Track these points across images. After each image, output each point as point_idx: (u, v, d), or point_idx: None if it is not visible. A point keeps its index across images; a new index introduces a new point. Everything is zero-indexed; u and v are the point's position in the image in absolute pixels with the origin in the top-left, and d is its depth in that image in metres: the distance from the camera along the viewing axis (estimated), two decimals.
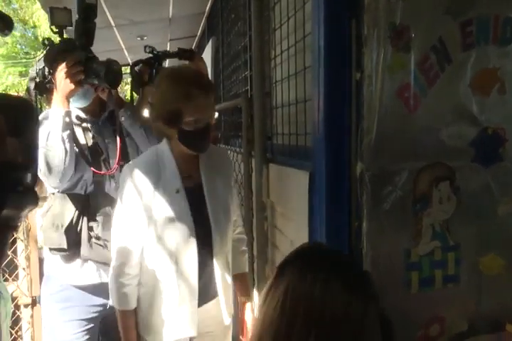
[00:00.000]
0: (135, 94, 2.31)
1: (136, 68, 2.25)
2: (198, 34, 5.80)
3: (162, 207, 1.64)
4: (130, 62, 7.48)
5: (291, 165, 1.86)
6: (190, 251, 1.66)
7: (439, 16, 1.37)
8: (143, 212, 1.64)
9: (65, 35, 1.95)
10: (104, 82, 1.84)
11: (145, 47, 2.31)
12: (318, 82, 1.49)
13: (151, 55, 2.27)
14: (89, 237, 1.94)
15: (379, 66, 1.37)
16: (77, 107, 2.03)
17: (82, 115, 2.05)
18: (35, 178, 0.49)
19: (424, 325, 1.42)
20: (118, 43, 5.84)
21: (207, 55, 4.37)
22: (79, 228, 1.94)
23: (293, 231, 1.81)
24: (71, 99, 1.92)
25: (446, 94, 1.38)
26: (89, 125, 2.06)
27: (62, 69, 1.82)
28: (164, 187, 1.64)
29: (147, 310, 1.72)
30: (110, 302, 1.73)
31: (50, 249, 1.98)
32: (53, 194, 1.99)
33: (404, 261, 1.40)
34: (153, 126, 1.72)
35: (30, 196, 0.49)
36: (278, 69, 2.24)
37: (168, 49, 4.39)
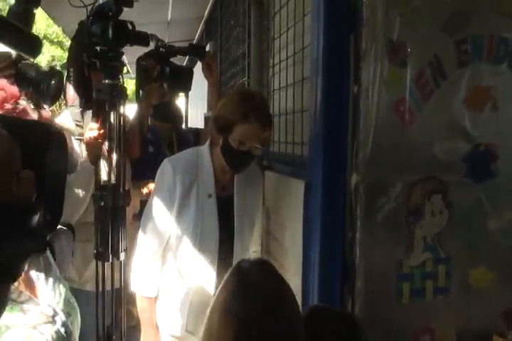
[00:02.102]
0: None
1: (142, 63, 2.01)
2: (196, 37, 5.83)
3: (192, 208, 1.68)
4: (127, 62, 7.48)
5: (287, 174, 1.89)
6: (209, 257, 1.70)
7: (435, 33, 1.40)
8: (176, 205, 1.68)
9: None
10: (44, 97, 1.46)
11: (156, 40, 2.00)
12: (315, 93, 1.52)
13: (161, 49, 1.98)
14: None
15: (376, 80, 1.40)
16: None
17: None
18: (53, 219, 0.43)
19: (414, 335, 1.45)
20: None
21: None
22: None
23: (287, 239, 1.83)
24: None
25: (441, 109, 1.41)
26: None
27: None
28: (198, 189, 1.69)
29: (164, 302, 1.76)
30: (131, 287, 1.76)
31: None
32: None
33: (396, 271, 1.43)
34: (209, 124, 1.76)
35: (34, 241, 0.40)
36: (276, 77, 2.26)
37: None
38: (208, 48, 4.38)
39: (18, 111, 1.16)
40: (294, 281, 1.59)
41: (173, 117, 2.45)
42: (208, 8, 4.58)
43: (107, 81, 1.36)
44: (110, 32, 1.32)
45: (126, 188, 1.37)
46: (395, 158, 1.42)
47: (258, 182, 1.88)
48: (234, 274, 1.01)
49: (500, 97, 1.42)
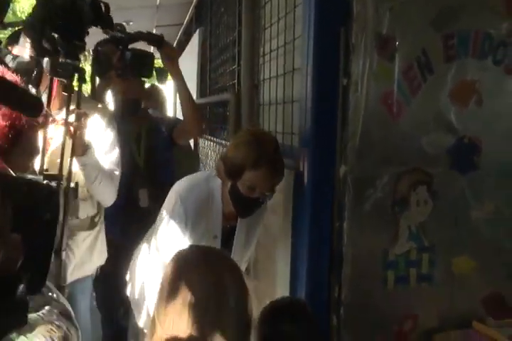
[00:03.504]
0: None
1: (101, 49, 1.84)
2: (185, 22, 5.77)
3: None
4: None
5: None
6: None
7: (423, 28, 1.43)
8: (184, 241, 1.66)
9: None
10: None
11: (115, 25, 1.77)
12: (306, 85, 1.55)
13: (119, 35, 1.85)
14: None
15: (365, 73, 1.43)
16: None
17: None
18: (40, 282, 0.38)
19: (398, 321, 1.50)
20: None
21: (193, 45, 4.36)
22: None
23: (276, 227, 1.87)
24: None
25: (428, 103, 1.45)
26: None
27: None
28: (205, 231, 1.68)
29: None
30: (140, 324, 1.76)
31: None
32: None
33: (382, 259, 1.48)
34: (217, 162, 1.70)
35: (17, 314, 0.36)
36: (266, 67, 2.27)
37: None
38: (197, 34, 4.35)
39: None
40: (283, 269, 1.64)
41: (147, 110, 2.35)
42: None
43: (67, 60, 1.22)
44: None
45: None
46: (382, 150, 1.46)
47: (263, 211, 1.81)
48: (174, 259, 1.03)
49: (484, 92, 1.46)
